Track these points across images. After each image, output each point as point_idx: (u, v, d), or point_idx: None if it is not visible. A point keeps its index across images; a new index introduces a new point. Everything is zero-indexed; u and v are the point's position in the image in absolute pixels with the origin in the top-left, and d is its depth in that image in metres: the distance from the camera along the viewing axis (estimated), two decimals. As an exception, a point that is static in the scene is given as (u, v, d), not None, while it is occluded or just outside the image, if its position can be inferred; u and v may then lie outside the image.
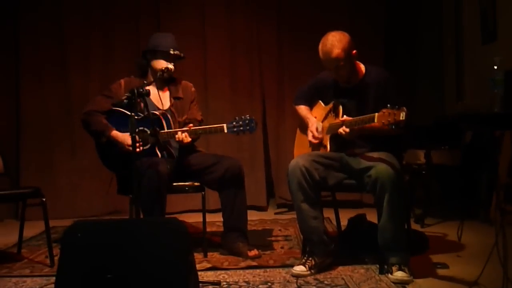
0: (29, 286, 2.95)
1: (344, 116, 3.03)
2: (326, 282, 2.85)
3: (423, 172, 4.26)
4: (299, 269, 2.97)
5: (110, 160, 3.47)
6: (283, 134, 5.16)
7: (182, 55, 3.50)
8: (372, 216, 3.24)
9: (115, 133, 3.39)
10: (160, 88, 3.55)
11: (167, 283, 2.19)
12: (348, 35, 3.02)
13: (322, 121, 3.25)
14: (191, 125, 3.38)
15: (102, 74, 5.03)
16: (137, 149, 2.91)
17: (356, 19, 5.08)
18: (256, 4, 5.21)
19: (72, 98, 5.04)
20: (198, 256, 3.29)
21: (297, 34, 5.16)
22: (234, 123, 3.27)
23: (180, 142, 3.30)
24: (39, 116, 5.07)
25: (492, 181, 3.94)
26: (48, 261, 3.35)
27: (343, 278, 2.90)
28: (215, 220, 4.10)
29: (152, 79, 3.48)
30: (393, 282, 2.79)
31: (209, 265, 3.19)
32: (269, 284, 2.85)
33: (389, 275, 2.86)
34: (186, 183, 3.42)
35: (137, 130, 2.89)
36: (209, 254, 3.41)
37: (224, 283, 2.88)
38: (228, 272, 3.08)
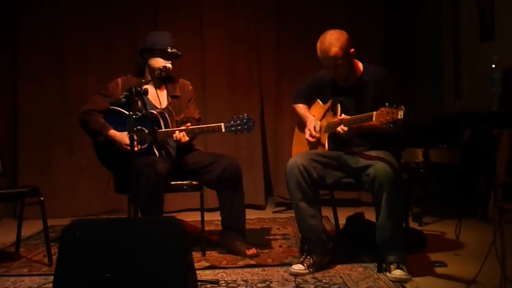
0: (27, 285, 2.95)
1: (342, 114, 3.03)
2: (324, 280, 2.85)
3: (421, 170, 4.26)
4: (298, 267, 2.98)
5: (108, 159, 3.46)
6: (281, 133, 5.16)
7: (179, 53, 3.50)
8: (370, 215, 3.25)
9: (112, 132, 3.38)
10: (157, 86, 3.55)
11: (165, 282, 2.19)
12: (346, 33, 3.02)
13: (320, 120, 3.25)
14: (188, 124, 3.38)
15: (101, 74, 5.02)
16: (135, 148, 2.91)
17: (355, 18, 5.08)
18: (255, 4, 5.20)
19: (71, 98, 5.04)
20: (196, 255, 3.29)
21: (296, 34, 5.15)
22: (232, 122, 3.27)
23: (178, 141, 3.30)
24: (37, 116, 5.06)
25: (490, 179, 3.94)
26: (46, 260, 3.35)
27: (341, 277, 2.90)
28: (214, 219, 4.10)
29: (149, 78, 3.47)
30: (391, 281, 2.80)
31: (207, 264, 3.19)
32: (268, 282, 2.85)
33: (387, 273, 2.86)
34: (184, 182, 3.42)
35: (135, 129, 2.88)
36: (208, 253, 3.41)
37: (223, 282, 2.88)
38: (227, 271, 3.08)
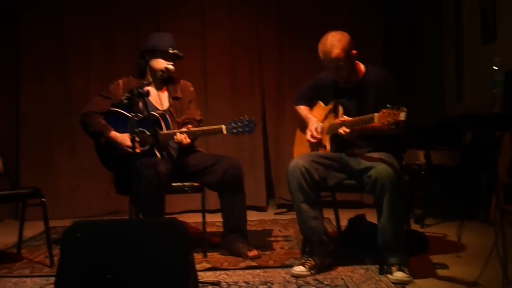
0: (29, 286, 2.95)
1: (344, 116, 3.03)
2: (325, 282, 2.85)
3: (423, 172, 4.26)
4: (299, 269, 2.97)
5: (109, 160, 3.47)
6: (282, 135, 5.16)
7: (181, 54, 3.50)
8: (372, 217, 3.24)
9: (114, 133, 3.38)
10: (158, 88, 3.55)
11: (167, 283, 2.19)
12: (348, 35, 3.02)
13: (322, 122, 3.25)
14: (190, 126, 3.38)
15: (102, 74, 5.02)
16: (137, 150, 2.91)
17: (356, 19, 5.08)
18: (256, 4, 5.21)
19: (72, 98, 5.04)
20: (197, 256, 3.28)
21: (297, 34, 5.16)
22: (233, 124, 3.27)
23: (179, 143, 3.30)
24: (39, 116, 5.07)
25: (491, 181, 3.94)
26: (48, 261, 3.34)
27: (342, 279, 2.90)
28: (215, 221, 4.10)
29: (151, 79, 3.48)
30: (393, 283, 2.79)
31: (208, 266, 3.20)
32: (269, 284, 2.85)
33: (389, 275, 2.86)
34: (186, 184, 3.41)
35: (137, 130, 2.89)
36: (209, 254, 3.41)
37: (224, 283, 2.88)
38: (228, 272, 3.08)
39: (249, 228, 3.61)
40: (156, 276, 2.18)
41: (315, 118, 3.28)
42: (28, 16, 5.04)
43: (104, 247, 2.24)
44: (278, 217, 4.83)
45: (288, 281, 2.89)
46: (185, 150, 3.44)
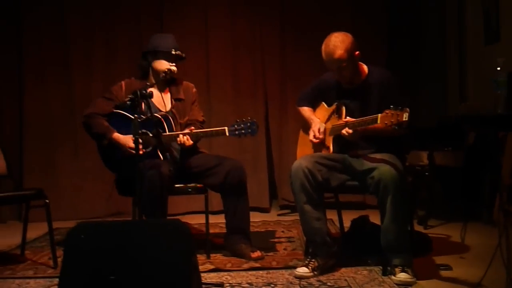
0: (32, 288, 2.96)
1: (347, 117, 3.03)
2: (329, 283, 2.85)
3: (426, 173, 4.25)
4: (302, 270, 2.97)
5: (112, 162, 3.47)
6: (285, 136, 5.16)
7: (183, 55, 3.49)
8: (375, 218, 3.24)
9: (116, 135, 3.39)
10: (161, 89, 3.55)
11: (170, 284, 2.19)
12: (351, 36, 3.02)
13: (325, 123, 3.25)
14: (192, 127, 3.37)
15: (105, 75, 5.03)
16: (140, 152, 2.91)
17: (359, 19, 5.07)
18: (259, 5, 5.20)
19: (75, 99, 5.05)
20: (201, 257, 3.29)
21: (300, 35, 5.15)
22: (236, 126, 3.26)
23: (182, 145, 3.30)
24: (42, 117, 5.07)
25: (495, 182, 3.92)
26: (51, 262, 3.35)
27: (346, 280, 2.89)
28: (218, 222, 4.10)
29: (153, 81, 3.48)
30: (396, 284, 2.79)
31: (212, 267, 3.20)
32: (272, 285, 2.85)
33: (392, 276, 2.86)
34: (189, 185, 3.41)
35: (140, 132, 2.89)
36: (212, 255, 3.41)
37: (227, 284, 2.88)
38: (231, 273, 3.08)
39: (252, 229, 3.61)
40: (160, 277, 2.18)
41: (318, 119, 3.28)
42: (31, 16, 5.04)
43: (108, 248, 2.24)
44: (281, 218, 4.83)
45: (291, 282, 2.89)
46: (188, 151, 3.44)
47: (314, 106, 3.39)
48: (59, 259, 3.19)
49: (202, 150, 3.62)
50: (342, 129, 2.99)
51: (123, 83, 3.54)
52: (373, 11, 5.17)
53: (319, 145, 3.23)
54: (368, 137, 3.04)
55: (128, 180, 3.16)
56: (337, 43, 2.96)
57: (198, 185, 3.41)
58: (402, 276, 2.82)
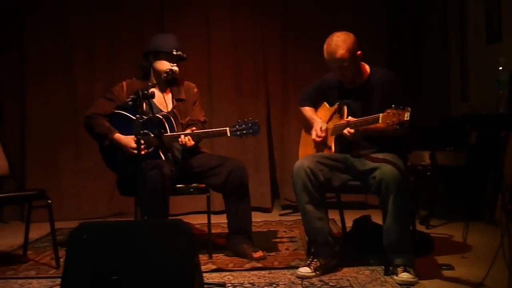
0: (34, 288, 2.97)
1: (349, 117, 3.03)
2: (331, 283, 2.85)
3: (428, 173, 4.24)
4: (304, 270, 2.97)
5: (113, 162, 3.47)
6: (287, 136, 5.16)
7: (184, 55, 3.48)
8: (377, 218, 3.24)
9: (118, 136, 3.39)
10: (162, 90, 3.55)
11: (172, 284, 2.19)
12: (353, 35, 3.02)
13: (327, 122, 3.25)
14: (194, 128, 3.37)
15: (107, 75, 5.03)
16: (141, 152, 2.91)
17: (360, 20, 5.06)
18: (260, 5, 5.20)
19: (77, 99, 5.05)
20: (203, 257, 3.29)
21: (302, 35, 5.15)
22: (237, 126, 3.26)
23: (183, 145, 3.30)
24: (44, 117, 5.08)
25: (497, 182, 3.92)
26: (53, 262, 3.36)
27: (348, 280, 2.89)
28: (220, 222, 4.10)
29: (155, 81, 3.48)
30: (398, 284, 2.79)
31: (214, 267, 3.20)
32: (274, 285, 2.85)
33: (394, 276, 2.85)
34: (191, 185, 3.42)
35: (142, 132, 2.89)
36: (214, 255, 3.41)
37: (229, 284, 2.88)
38: (233, 273, 3.08)
39: (254, 229, 3.61)
40: (162, 277, 2.18)
41: (320, 119, 3.28)
42: (33, 17, 5.05)
43: (110, 248, 2.24)
44: (283, 218, 4.83)
45: (293, 282, 2.89)
46: (189, 151, 3.44)
47: (316, 106, 3.39)
48: (61, 259, 3.20)
49: (204, 150, 3.62)
50: (344, 129, 2.98)
51: (124, 83, 3.54)
52: (375, 11, 5.17)
53: (321, 145, 3.23)
54: (370, 137, 3.04)
55: (129, 181, 3.17)
56: (339, 42, 2.96)
57: (200, 185, 3.42)
58: (404, 276, 2.81)
